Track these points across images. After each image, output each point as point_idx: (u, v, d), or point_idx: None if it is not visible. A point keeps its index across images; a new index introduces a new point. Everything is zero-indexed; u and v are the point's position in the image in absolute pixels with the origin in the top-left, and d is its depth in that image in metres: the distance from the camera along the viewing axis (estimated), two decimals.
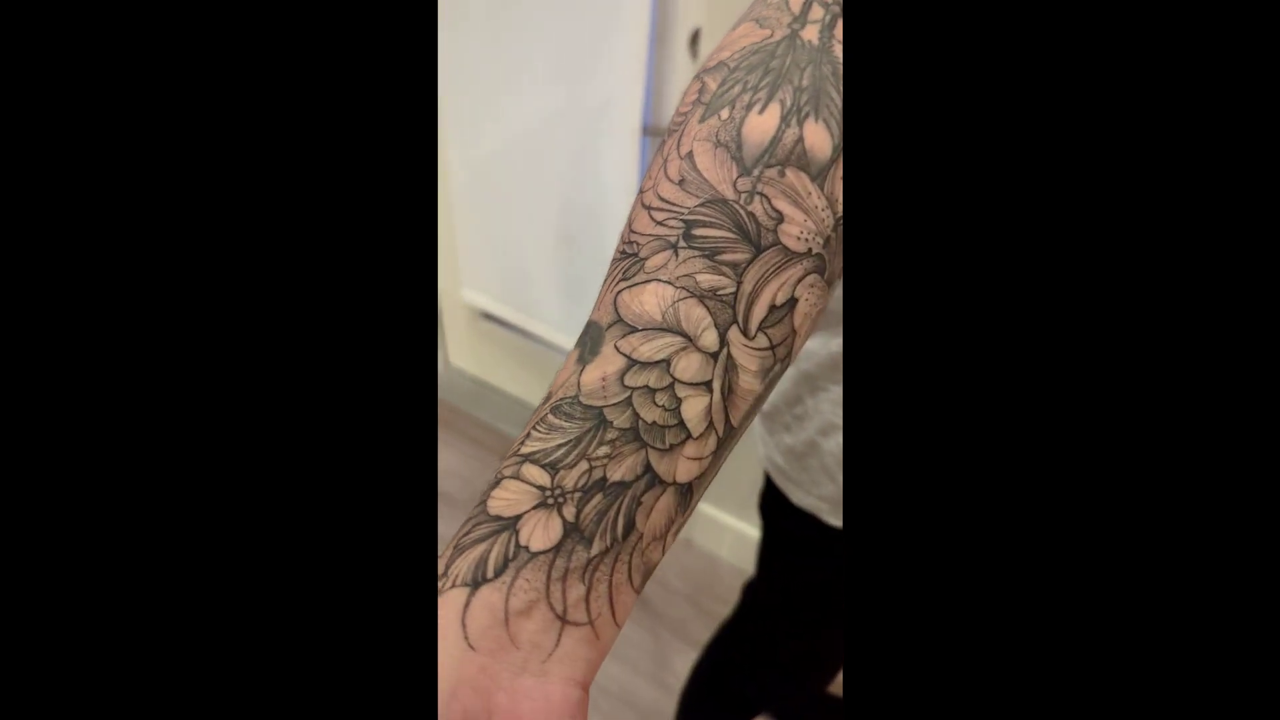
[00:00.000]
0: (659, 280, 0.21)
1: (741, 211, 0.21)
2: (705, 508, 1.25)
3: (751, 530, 1.22)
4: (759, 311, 0.21)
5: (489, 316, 1.46)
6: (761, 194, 0.21)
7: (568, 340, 1.29)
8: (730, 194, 0.21)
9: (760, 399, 0.22)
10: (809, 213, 0.21)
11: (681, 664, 1.08)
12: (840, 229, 0.21)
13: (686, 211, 0.21)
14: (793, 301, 0.21)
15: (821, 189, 0.21)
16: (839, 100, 0.21)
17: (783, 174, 0.21)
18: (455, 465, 1.43)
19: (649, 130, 1.02)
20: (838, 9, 0.22)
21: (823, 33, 0.22)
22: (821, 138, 0.21)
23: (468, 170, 1.27)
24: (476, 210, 1.31)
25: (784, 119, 0.21)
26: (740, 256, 0.21)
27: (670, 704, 0.94)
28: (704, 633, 0.86)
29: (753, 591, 0.72)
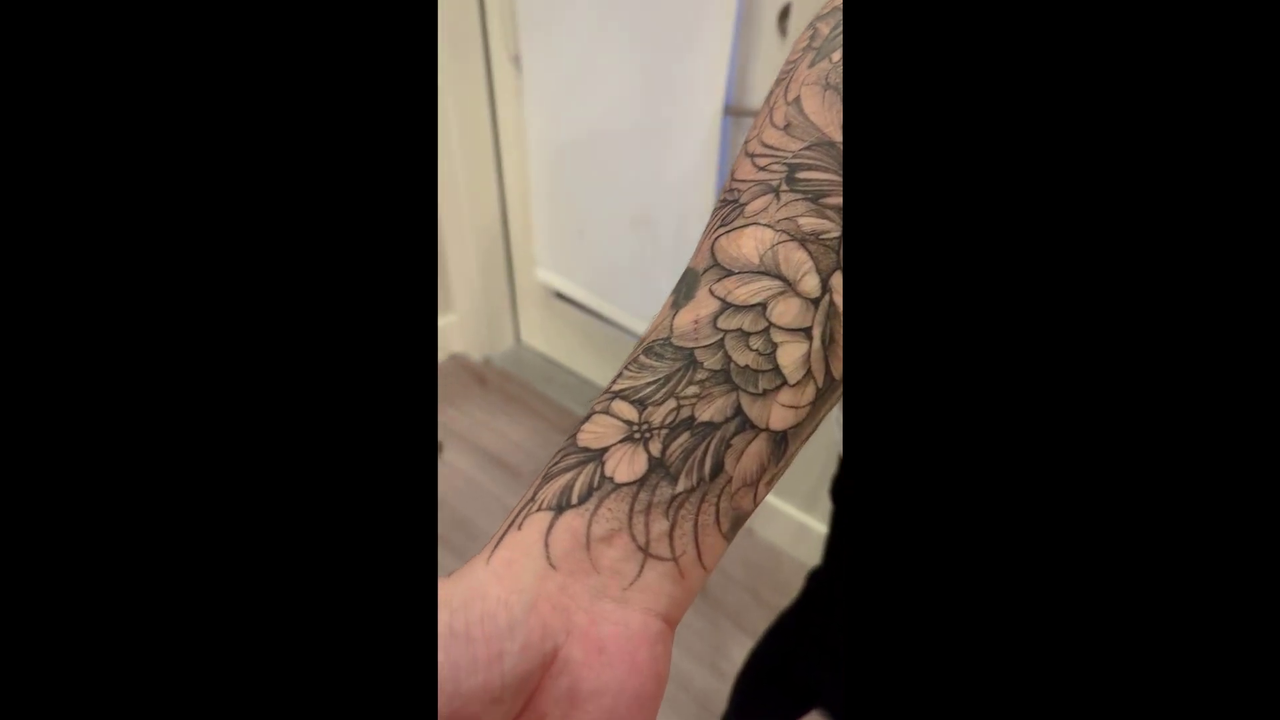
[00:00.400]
0: (758, 224, 0.20)
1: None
2: (769, 498, 1.23)
3: (815, 523, 1.19)
4: None
5: (561, 296, 1.48)
6: None
7: (639, 324, 1.30)
8: (837, 136, 0.20)
9: None
10: None
11: (738, 652, 1.07)
12: None
13: (790, 155, 0.21)
14: None
15: None
16: None
17: None
18: (520, 439, 1.45)
19: (731, 110, 1.01)
20: None
21: None
22: None
23: (547, 150, 1.29)
24: (554, 191, 1.33)
25: None
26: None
27: (725, 690, 0.94)
28: (761, 622, 0.85)
29: (818, 580, 0.71)
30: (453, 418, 1.51)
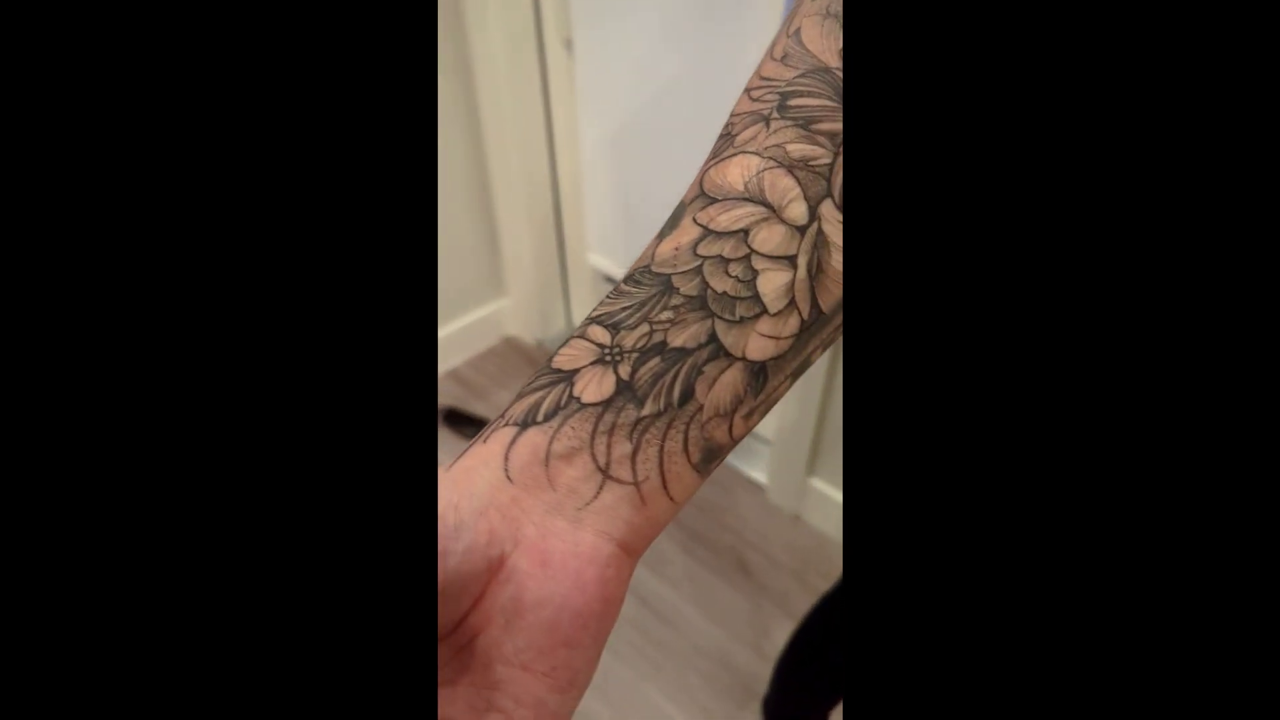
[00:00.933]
0: (745, 152, 0.20)
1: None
2: (819, 484, 1.21)
3: None
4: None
5: (613, 281, 1.49)
6: None
7: None
8: (834, 62, 0.19)
9: None
10: None
11: (781, 635, 1.06)
12: None
13: (784, 84, 0.20)
14: None
15: None
16: None
17: None
18: None
19: None
20: None
21: None
22: None
23: (600, 134, 1.30)
24: (607, 175, 1.34)
25: None
26: (840, 125, 0.19)
27: (767, 672, 0.93)
28: (806, 607, 0.85)
29: None
30: (506, 400, 1.54)
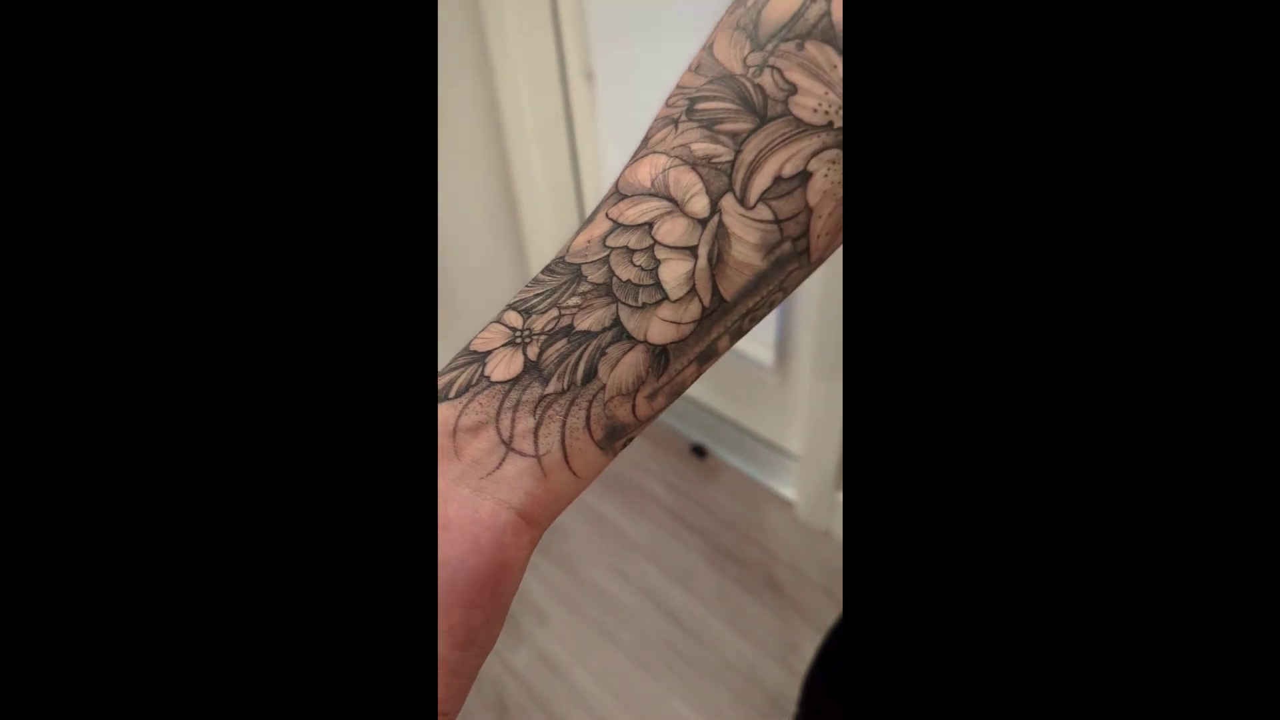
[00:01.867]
0: (654, 152, 0.21)
1: (748, 84, 0.20)
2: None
3: None
4: (761, 181, 0.20)
5: None
6: (773, 66, 0.20)
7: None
8: (739, 70, 0.21)
9: (766, 277, 0.21)
10: (831, 85, 0.20)
11: (810, 650, 1.05)
12: None
13: (693, 90, 0.21)
14: (805, 175, 0.20)
15: None
16: None
17: (801, 47, 0.20)
18: None
19: None
20: None
21: None
22: None
23: (619, 161, 1.33)
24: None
25: None
26: (742, 126, 0.20)
27: (796, 688, 0.92)
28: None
29: None
30: None
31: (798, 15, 0.20)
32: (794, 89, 0.20)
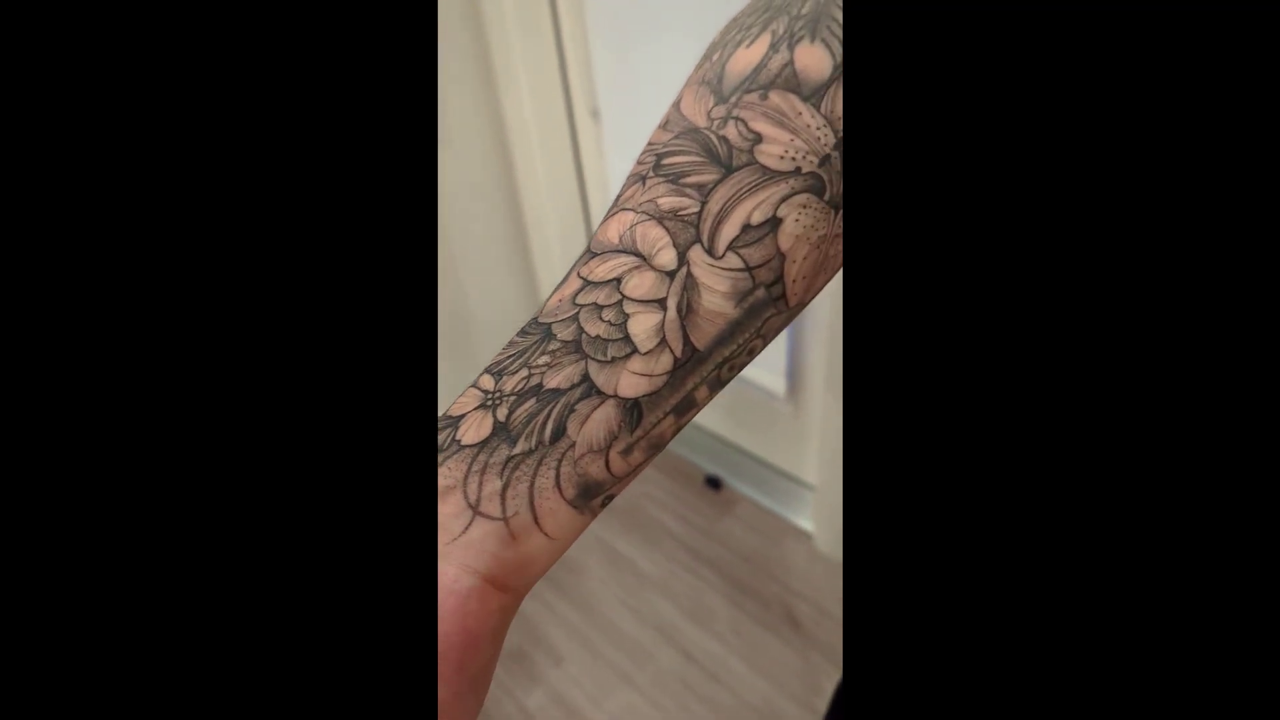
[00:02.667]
0: (623, 209, 0.21)
1: (713, 136, 0.21)
2: None
3: None
4: (729, 230, 0.20)
5: None
6: (737, 118, 0.20)
7: None
8: (704, 123, 0.21)
9: (741, 325, 0.21)
10: (797, 131, 0.20)
11: (831, 688, 1.02)
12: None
13: (661, 146, 0.22)
14: (775, 221, 0.20)
15: (817, 108, 0.20)
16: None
17: (765, 97, 0.20)
18: None
19: None
20: None
21: None
22: (817, 58, 0.20)
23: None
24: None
25: (772, 46, 0.20)
26: (708, 177, 0.20)
27: None
28: None
29: None
30: None
31: (760, 66, 0.20)
32: (759, 138, 0.20)
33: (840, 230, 0.21)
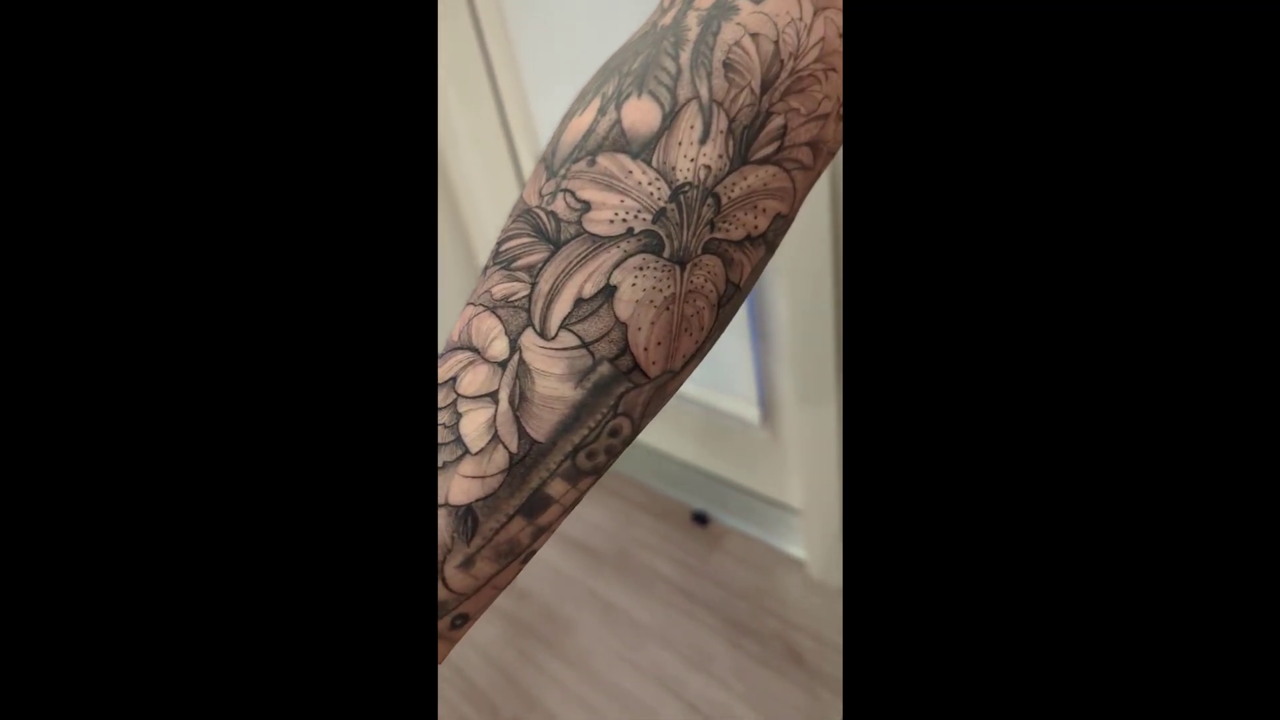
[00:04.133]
0: (467, 304, 0.21)
1: (542, 213, 0.20)
2: None
3: None
4: (561, 308, 0.19)
5: None
6: (565, 190, 0.19)
7: (710, 395, 1.29)
8: (535, 201, 0.20)
9: (587, 407, 0.19)
10: (627, 192, 0.19)
11: None
12: (687, 196, 0.18)
13: (501, 233, 0.21)
14: (609, 290, 0.18)
15: (649, 162, 0.19)
16: (675, 65, 0.19)
17: (594, 163, 0.19)
18: (600, 521, 1.45)
19: None
20: None
21: (681, 10, 0.20)
22: (644, 111, 0.19)
23: None
24: None
25: (600, 110, 0.20)
26: (537, 257, 0.19)
27: None
28: None
29: None
30: None
31: (589, 132, 0.20)
32: (587, 206, 0.19)
33: (695, 287, 0.19)
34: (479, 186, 1.34)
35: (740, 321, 1.12)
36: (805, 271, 0.91)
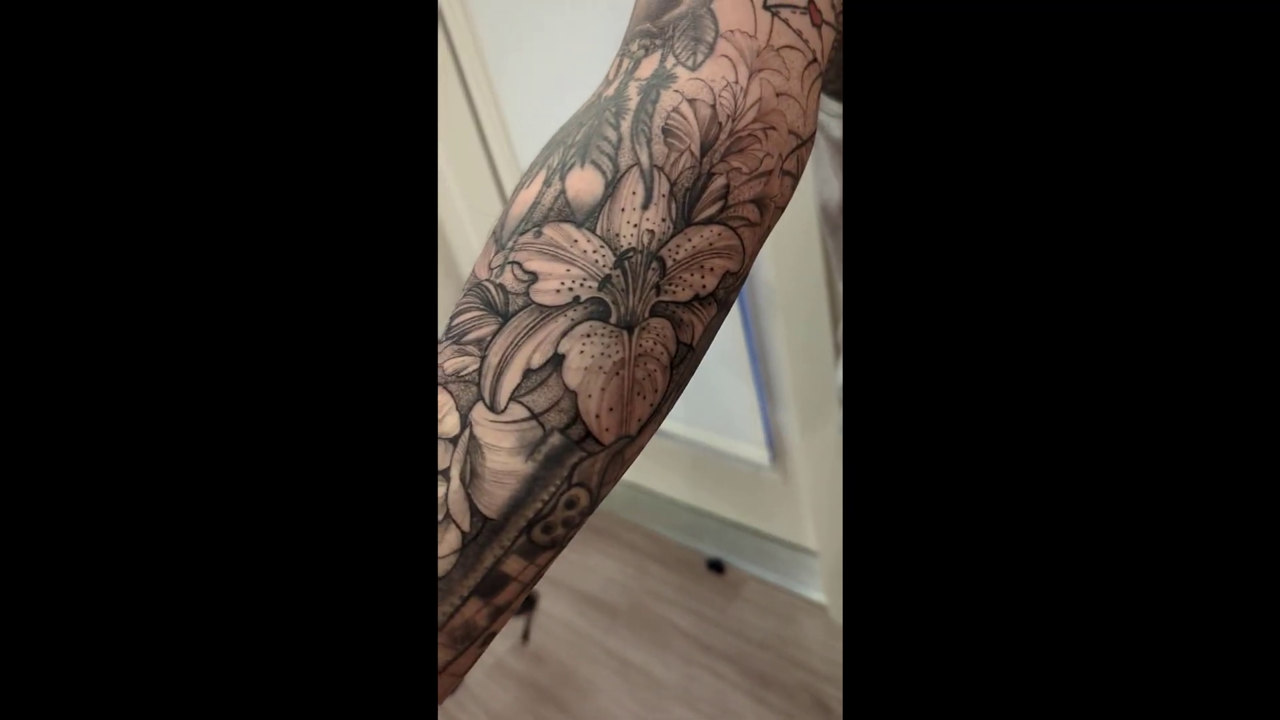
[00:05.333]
0: None
1: (490, 286, 0.20)
2: None
3: None
4: (510, 380, 0.18)
5: None
6: (513, 262, 0.19)
7: (717, 440, 1.27)
8: (484, 275, 0.20)
9: (539, 480, 0.18)
10: (573, 261, 0.19)
11: None
12: (632, 261, 0.19)
13: (455, 308, 0.21)
14: (557, 359, 0.18)
15: (594, 230, 0.19)
16: (616, 134, 0.19)
17: (540, 234, 0.19)
18: (613, 574, 1.41)
19: None
20: (643, 51, 0.21)
21: (623, 81, 0.21)
22: (588, 180, 0.19)
23: None
24: None
25: (546, 182, 0.20)
26: (486, 330, 0.19)
27: None
28: None
29: None
30: None
31: (535, 204, 0.20)
32: (534, 277, 0.19)
33: (644, 350, 0.19)
34: (455, 190, 1.35)
35: (742, 363, 1.11)
36: (800, 309, 0.90)
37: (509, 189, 1.31)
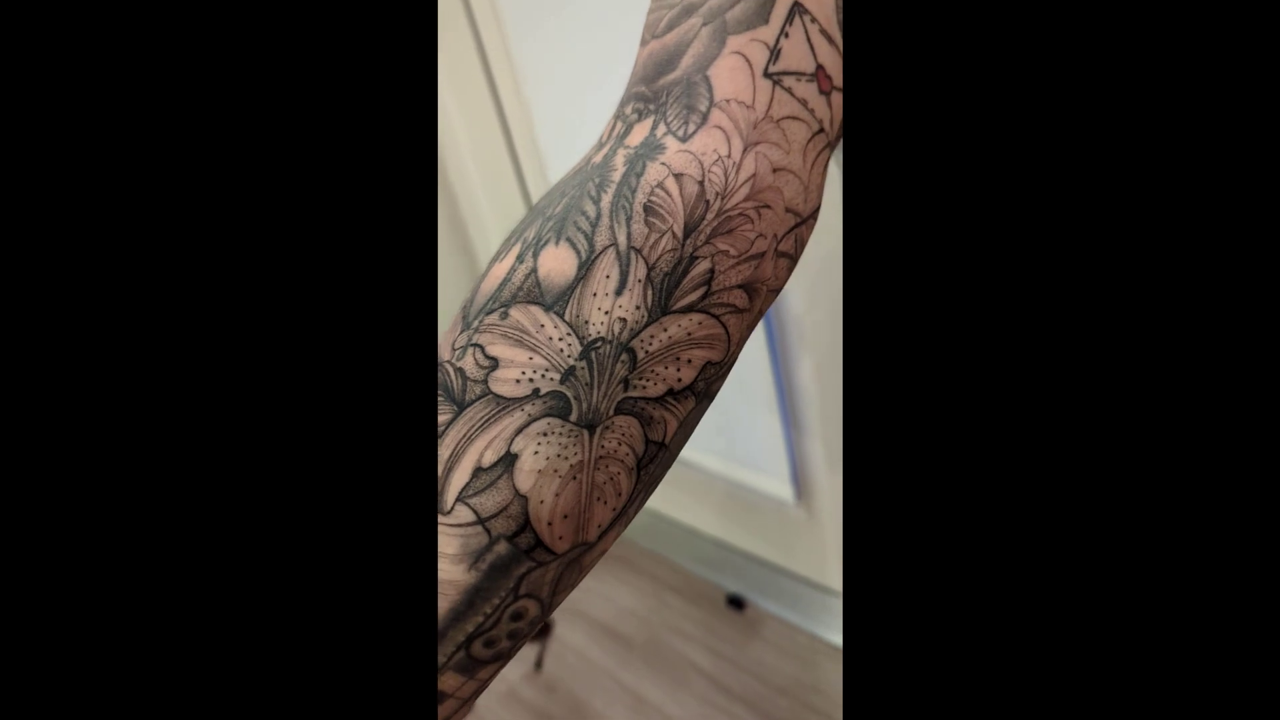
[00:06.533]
0: None
1: (451, 369, 0.18)
2: None
3: None
4: (459, 478, 0.17)
5: None
6: (475, 344, 0.18)
7: (734, 469, 1.24)
8: (448, 355, 0.19)
9: (482, 591, 0.17)
10: (537, 348, 0.17)
11: None
12: (599, 352, 0.17)
13: None
14: (510, 458, 0.17)
15: (562, 315, 0.17)
16: (595, 209, 0.18)
17: (506, 315, 0.18)
18: (630, 603, 1.39)
19: None
20: (636, 115, 0.19)
21: (612, 149, 0.19)
22: (560, 260, 0.18)
23: None
24: None
25: (519, 258, 0.18)
26: (442, 419, 0.17)
27: None
28: None
29: None
30: None
31: (505, 281, 0.18)
32: (495, 364, 0.17)
33: (607, 451, 0.17)
34: (477, 187, 1.33)
35: (769, 397, 1.08)
36: (827, 342, 0.87)
37: (525, 169, 1.28)
